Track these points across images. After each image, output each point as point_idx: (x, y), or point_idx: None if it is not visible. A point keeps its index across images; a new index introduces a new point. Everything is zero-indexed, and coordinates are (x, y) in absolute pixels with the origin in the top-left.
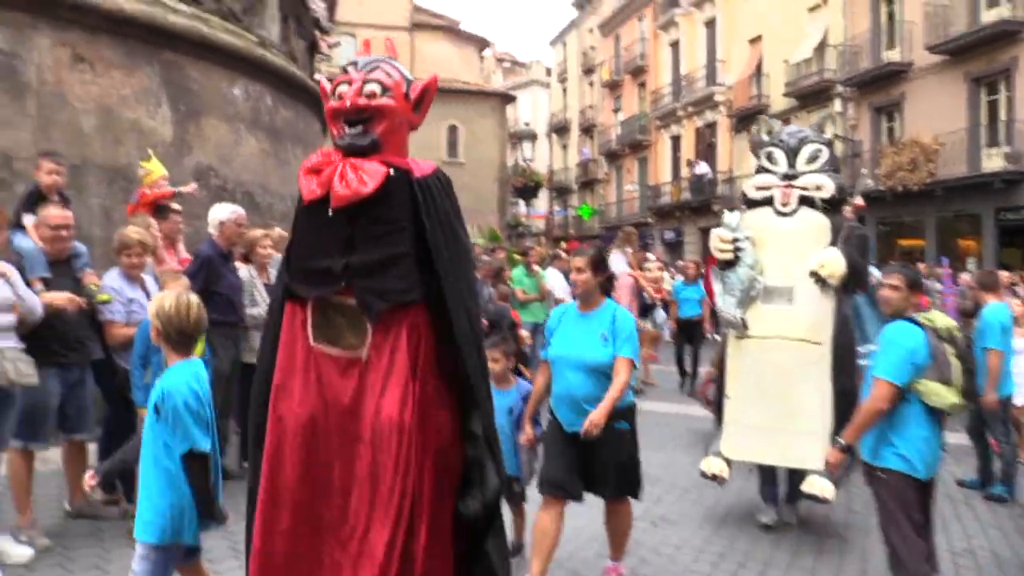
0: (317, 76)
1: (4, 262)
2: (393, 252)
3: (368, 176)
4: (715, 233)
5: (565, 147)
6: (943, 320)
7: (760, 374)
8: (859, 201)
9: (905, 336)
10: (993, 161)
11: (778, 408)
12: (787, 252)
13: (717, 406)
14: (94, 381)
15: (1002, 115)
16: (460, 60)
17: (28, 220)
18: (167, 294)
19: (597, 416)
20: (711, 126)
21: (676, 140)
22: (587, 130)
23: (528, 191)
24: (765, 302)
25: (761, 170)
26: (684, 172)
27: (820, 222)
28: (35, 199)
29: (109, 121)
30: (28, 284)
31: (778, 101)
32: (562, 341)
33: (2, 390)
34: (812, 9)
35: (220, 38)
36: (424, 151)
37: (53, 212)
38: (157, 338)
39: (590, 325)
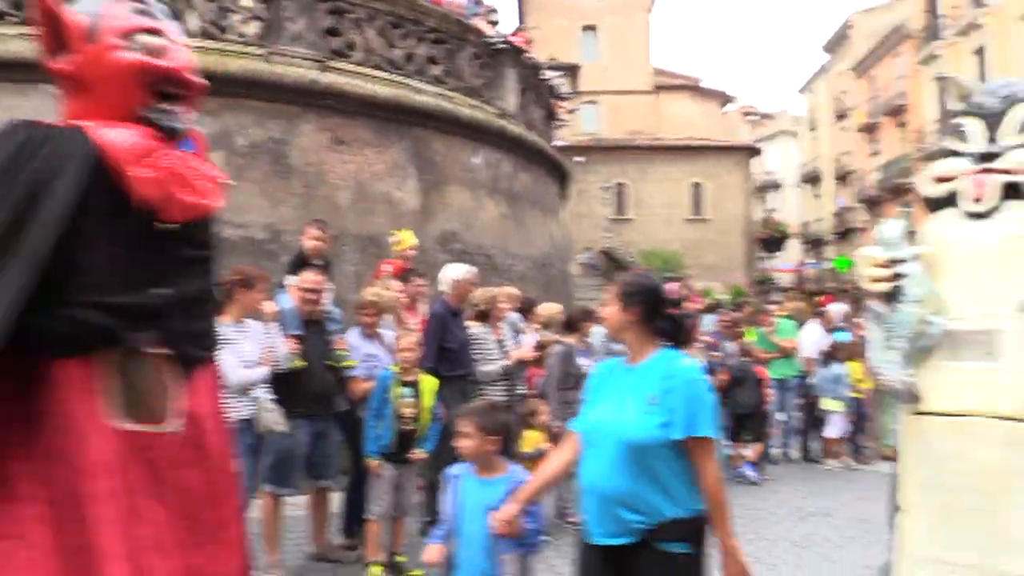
0: (555, 141)
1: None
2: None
3: (214, 183)
4: (862, 254)
5: (818, 197)
6: None
7: (950, 474)
8: None
9: None
10: None
11: (981, 532)
12: (984, 276)
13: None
14: (339, 432)
15: None
16: (703, 117)
17: (288, 281)
18: None
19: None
20: None
21: None
22: (842, 178)
23: (773, 243)
24: (950, 356)
25: (948, 155)
26: None
27: None
28: (299, 263)
29: (362, 194)
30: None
31: None
32: (596, 405)
33: (257, 438)
34: None
35: (463, 112)
36: (669, 209)
37: (306, 275)
38: None
39: (634, 383)
